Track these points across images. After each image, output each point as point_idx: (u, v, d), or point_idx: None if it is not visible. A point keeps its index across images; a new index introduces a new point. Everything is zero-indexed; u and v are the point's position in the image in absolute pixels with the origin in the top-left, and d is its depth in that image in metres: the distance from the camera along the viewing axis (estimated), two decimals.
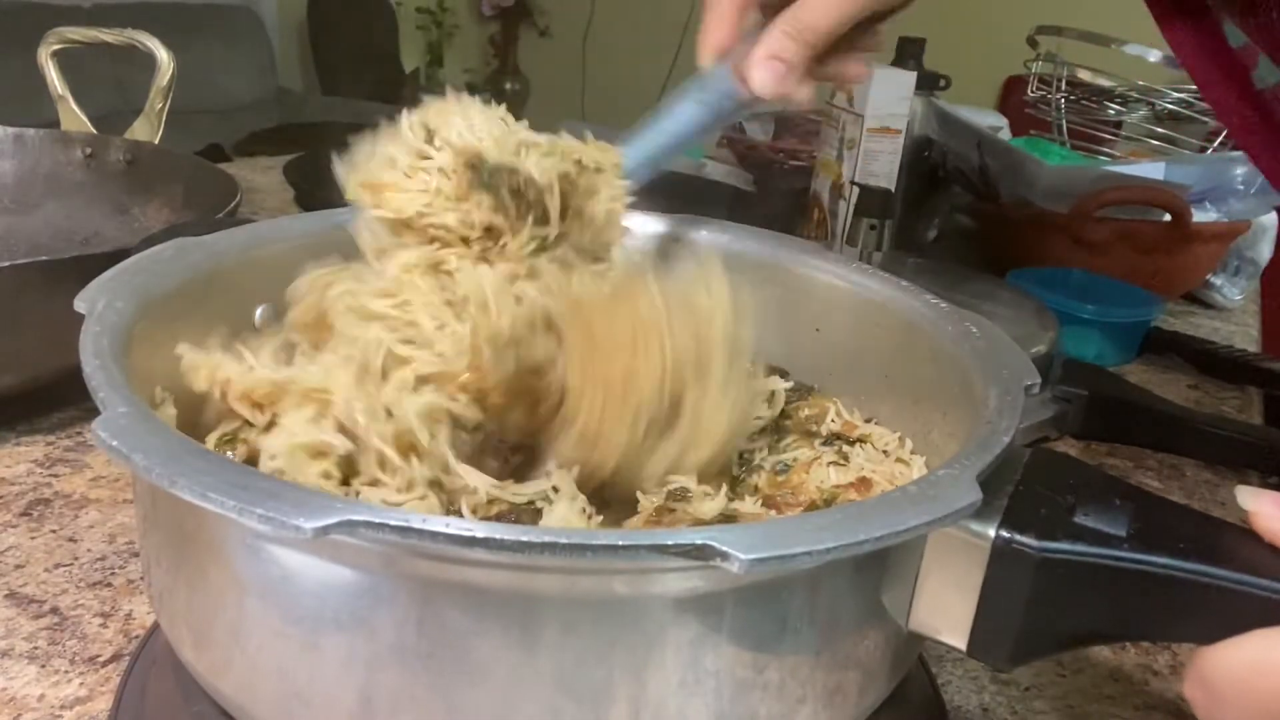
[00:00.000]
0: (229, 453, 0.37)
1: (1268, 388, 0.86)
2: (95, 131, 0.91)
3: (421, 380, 0.37)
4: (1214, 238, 1.04)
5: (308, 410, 0.36)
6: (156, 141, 0.93)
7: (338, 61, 3.69)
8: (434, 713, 0.29)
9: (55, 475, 0.57)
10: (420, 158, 0.41)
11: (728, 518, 0.39)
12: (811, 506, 0.40)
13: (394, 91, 3.64)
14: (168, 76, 0.94)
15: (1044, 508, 0.31)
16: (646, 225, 0.54)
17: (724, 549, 0.25)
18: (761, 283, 0.52)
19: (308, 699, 0.30)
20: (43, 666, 0.43)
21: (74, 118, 0.95)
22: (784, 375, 0.51)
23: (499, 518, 0.36)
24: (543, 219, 0.42)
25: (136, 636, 0.45)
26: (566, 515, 0.36)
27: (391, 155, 0.42)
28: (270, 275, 0.46)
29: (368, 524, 0.25)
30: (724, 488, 0.41)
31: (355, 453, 0.36)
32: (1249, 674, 0.27)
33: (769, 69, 0.44)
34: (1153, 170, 1.04)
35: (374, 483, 0.36)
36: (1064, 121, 1.22)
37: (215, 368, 0.37)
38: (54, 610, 0.47)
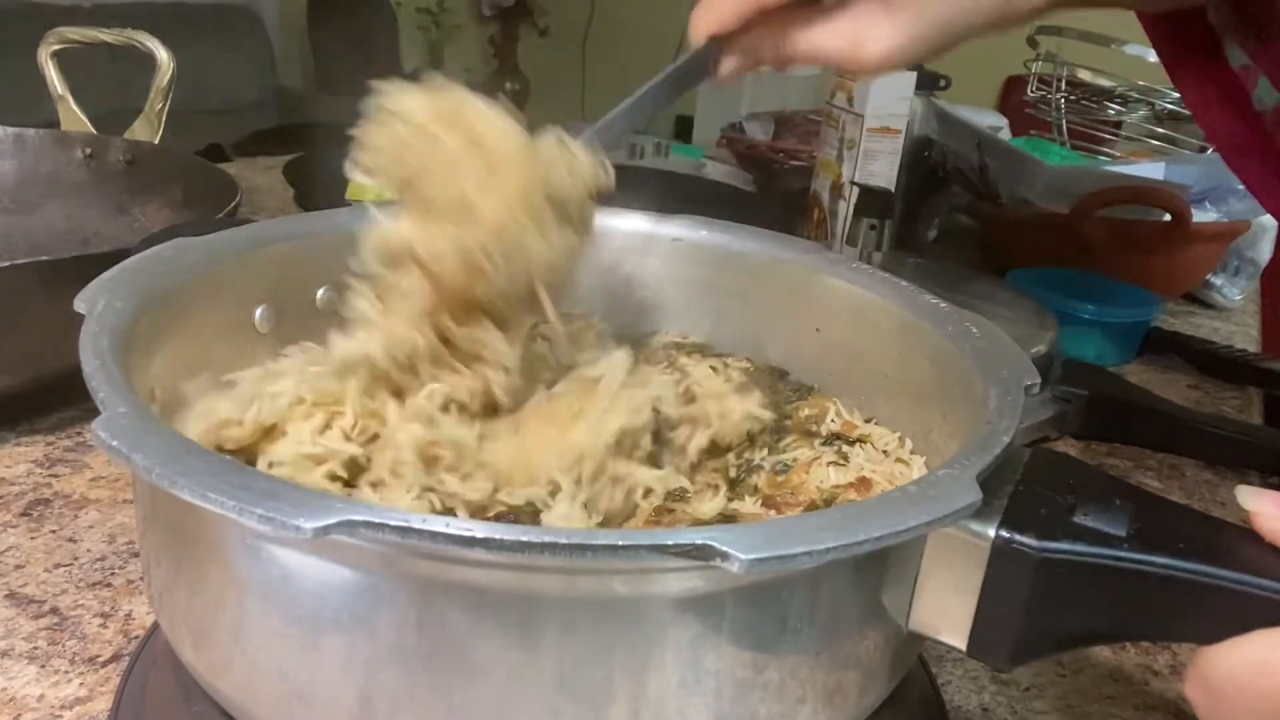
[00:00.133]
0: None
1: (1268, 388, 0.86)
2: (95, 131, 0.91)
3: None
4: (1214, 238, 1.04)
5: (317, 419, 0.37)
6: (156, 141, 0.93)
7: (338, 61, 3.69)
8: (434, 713, 0.29)
9: (55, 475, 0.57)
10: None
11: (728, 518, 0.39)
12: (811, 506, 0.40)
13: None
14: (168, 76, 0.94)
15: (1044, 508, 0.31)
16: (647, 225, 0.54)
17: (724, 549, 0.25)
18: (761, 283, 0.52)
19: (308, 699, 0.30)
20: (43, 666, 0.43)
21: (74, 118, 0.95)
22: (784, 375, 0.52)
23: (498, 518, 0.36)
24: None
25: (136, 636, 0.45)
26: (567, 515, 0.36)
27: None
28: (270, 275, 0.46)
29: (368, 524, 0.25)
30: (723, 488, 0.41)
31: (363, 456, 0.36)
32: (1250, 674, 0.27)
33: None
34: (1153, 170, 1.05)
35: (378, 484, 0.36)
36: (1064, 121, 1.22)
37: (212, 422, 0.37)
38: (54, 610, 0.47)
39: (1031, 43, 1.23)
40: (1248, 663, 0.28)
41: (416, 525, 0.25)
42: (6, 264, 0.54)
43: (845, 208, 0.97)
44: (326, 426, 0.37)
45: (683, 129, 2.10)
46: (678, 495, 0.40)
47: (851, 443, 0.45)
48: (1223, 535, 0.30)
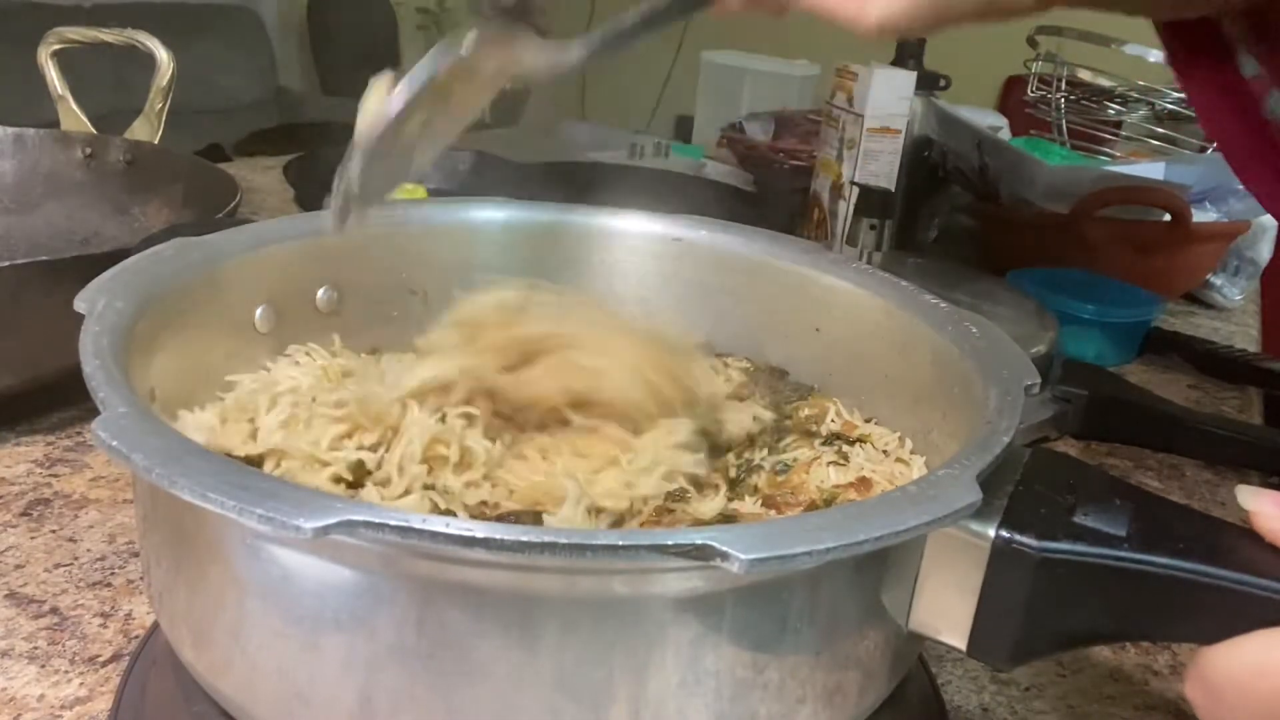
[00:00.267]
0: None
1: (1268, 388, 0.86)
2: (95, 131, 0.91)
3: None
4: (1214, 238, 1.04)
5: (339, 427, 0.37)
6: (156, 141, 0.93)
7: (338, 61, 3.69)
8: (434, 713, 0.29)
9: (55, 475, 0.57)
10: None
11: (728, 518, 0.39)
12: (811, 506, 0.40)
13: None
14: (168, 76, 0.94)
15: (1044, 508, 0.31)
16: (647, 225, 0.54)
17: (724, 549, 0.25)
18: (761, 283, 0.52)
19: (308, 699, 0.30)
20: (43, 666, 0.43)
21: (74, 118, 0.95)
22: (784, 375, 0.52)
23: (499, 518, 0.36)
24: None
25: (136, 636, 0.45)
26: (569, 518, 0.36)
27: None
28: (270, 275, 0.46)
29: (368, 524, 0.25)
30: (723, 488, 0.41)
31: (372, 460, 0.37)
32: (1250, 675, 0.27)
33: None
34: (1153, 170, 1.04)
35: (383, 483, 0.36)
36: (1064, 121, 1.22)
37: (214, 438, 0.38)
38: (54, 610, 0.47)
39: (1031, 43, 1.23)
40: (1248, 663, 0.28)
41: (416, 525, 0.25)
42: (6, 264, 0.54)
43: (845, 208, 0.97)
44: (348, 435, 0.37)
45: (683, 129, 2.10)
46: (678, 495, 0.40)
47: (851, 443, 0.45)
48: (1223, 535, 0.30)
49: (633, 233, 0.54)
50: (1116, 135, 1.20)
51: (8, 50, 1.67)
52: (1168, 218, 0.97)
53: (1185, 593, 0.29)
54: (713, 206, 0.53)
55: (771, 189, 1.26)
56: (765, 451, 0.44)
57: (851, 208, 0.93)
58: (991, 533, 0.30)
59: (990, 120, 1.28)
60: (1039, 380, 0.38)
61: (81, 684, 0.42)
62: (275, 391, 0.40)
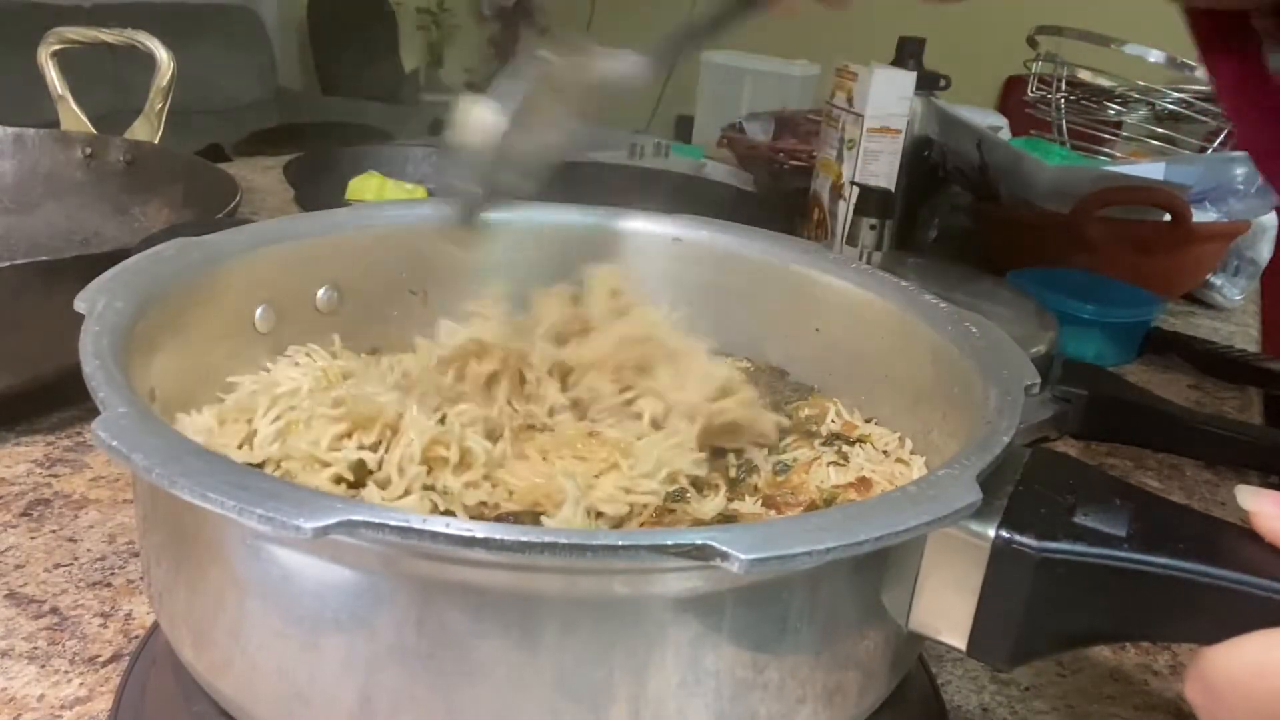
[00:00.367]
0: None
1: (1268, 388, 0.86)
2: (95, 131, 0.91)
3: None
4: (1214, 238, 1.04)
5: (339, 427, 0.37)
6: (156, 141, 0.94)
7: (338, 61, 3.69)
8: (434, 713, 0.29)
9: (55, 475, 0.57)
10: None
11: (728, 518, 0.39)
12: (811, 506, 0.40)
13: (394, 91, 3.64)
14: (168, 76, 0.94)
15: (1044, 508, 0.31)
16: (647, 225, 0.54)
17: (724, 549, 0.25)
18: (761, 283, 0.52)
19: (308, 699, 0.30)
20: (43, 666, 0.43)
21: (74, 118, 0.95)
22: (784, 375, 0.52)
23: (498, 519, 0.36)
24: None
25: (136, 636, 0.45)
26: (569, 519, 0.36)
27: None
28: (270, 275, 0.46)
29: (368, 524, 0.25)
30: (723, 488, 0.41)
31: (374, 460, 0.37)
32: (1250, 675, 0.27)
33: None
34: (1153, 170, 1.04)
35: (385, 483, 0.36)
36: (1064, 121, 1.22)
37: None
38: (54, 610, 0.47)
39: (1031, 43, 1.23)
40: (1248, 664, 0.28)
41: (416, 525, 0.25)
42: (6, 264, 0.54)
43: (845, 208, 0.97)
44: (347, 435, 0.37)
45: (683, 129, 2.10)
46: (678, 495, 0.40)
47: (851, 443, 0.45)
48: (1223, 535, 0.30)
49: (633, 233, 0.54)
50: (1116, 135, 1.20)
51: (8, 50, 1.67)
52: (1168, 218, 0.97)
53: (1185, 593, 0.29)
54: (713, 206, 0.53)
55: (771, 189, 1.26)
56: (765, 451, 0.44)
57: (851, 208, 0.93)
58: (991, 533, 0.30)
59: (990, 120, 1.28)
60: (1039, 380, 0.38)
61: (81, 684, 0.42)
62: (275, 393, 0.40)
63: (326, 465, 0.36)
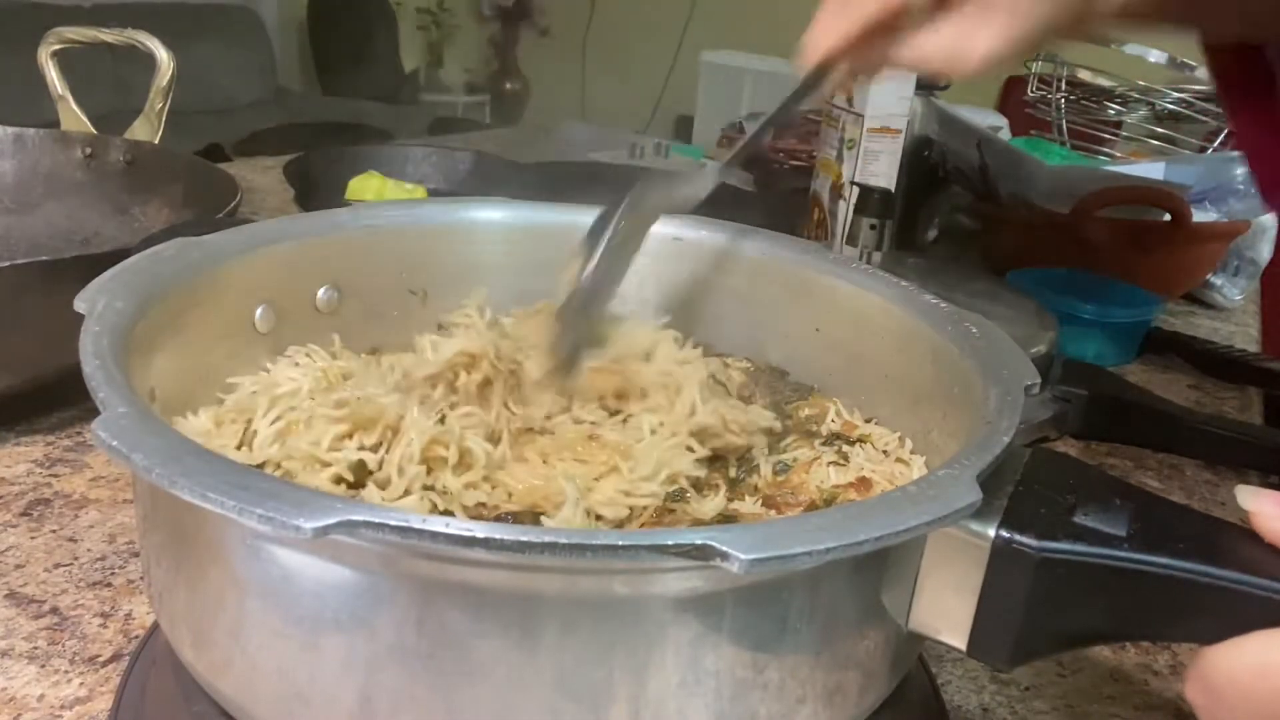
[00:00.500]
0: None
1: (1268, 388, 0.86)
2: (95, 131, 0.91)
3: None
4: (1214, 238, 1.04)
5: (341, 427, 0.37)
6: (156, 141, 0.93)
7: (338, 61, 3.69)
8: (434, 713, 0.29)
9: (55, 475, 0.57)
10: None
11: (728, 518, 0.39)
12: (811, 506, 0.40)
13: (394, 91, 3.64)
14: (168, 76, 0.94)
15: (1044, 508, 0.31)
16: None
17: (724, 549, 0.25)
18: (761, 283, 0.52)
19: (308, 699, 0.30)
20: (43, 666, 0.43)
21: (74, 118, 0.95)
22: (784, 375, 0.52)
23: (497, 519, 0.36)
24: None
25: (136, 636, 0.45)
26: (569, 519, 0.36)
27: None
28: (270, 275, 0.46)
29: (368, 524, 0.25)
30: (723, 488, 0.41)
31: (374, 460, 0.37)
32: (1250, 676, 0.27)
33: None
34: (1153, 170, 1.04)
35: (385, 483, 0.36)
36: (1064, 121, 1.22)
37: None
38: (54, 610, 0.47)
39: None
40: (1248, 664, 0.28)
41: (416, 525, 0.25)
42: (6, 264, 0.54)
43: (845, 208, 0.97)
44: (348, 436, 0.37)
45: (683, 129, 2.10)
46: (677, 495, 0.40)
47: (851, 443, 0.45)
48: (1223, 535, 0.30)
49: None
50: (1116, 135, 1.20)
51: (8, 50, 1.67)
52: (1168, 218, 0.97)
53: (1185, 593, 0.29)
54: (713, 206, 0.53)
55: (771, 189, 1.26)
56: (765, 451, 0.44)
57: (851, 208, 0.93)
58: (991, 533, 0.30)
59: (990, 120, 1.28)
60: (1039, 380, 0.38)
61: (81, 684, 0.42)
62: (275, 394, 0.40)
63: (327, 465, 0.36)
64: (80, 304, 0.36)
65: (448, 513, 0.36)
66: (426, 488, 0.37)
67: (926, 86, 1.04)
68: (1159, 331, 0.91)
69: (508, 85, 4.02)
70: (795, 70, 0.47)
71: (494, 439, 0.40)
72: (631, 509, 0.38)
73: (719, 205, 0.51)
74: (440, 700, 0.29)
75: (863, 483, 0.41)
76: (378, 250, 0.50)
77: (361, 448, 0.37)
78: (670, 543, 0.26)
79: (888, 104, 0.95)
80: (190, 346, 0.41)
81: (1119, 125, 1.21)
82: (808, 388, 0.50)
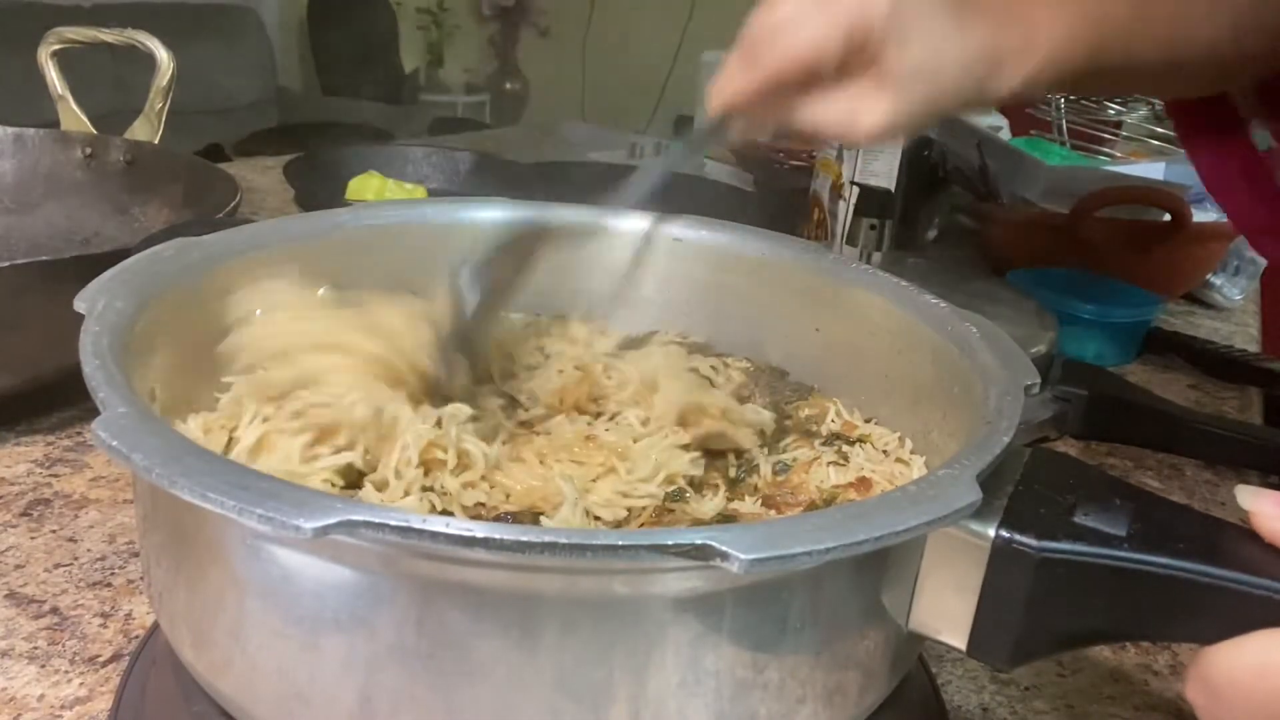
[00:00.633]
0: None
1: (1268, 388, 0.86)
2: (95, 131, 0.91)
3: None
4: (1214, 238, 1.04)
5: (304, 438, 0.37)
6: (156, 141, 0.93)
7: (338, 61, 3.69)
8: (434, 713, 0.29)
9: (55, 475, 0.57)
10: None
11: (727, 518, 0.39)
12: (811, 506, 0.40)
13: (394, 91, 3.64)
14: (168, 76, 0.94)
15: (1044, 508, 0.31)
16: (646, 225, 0.54)
17: (724, 549, 0.25)
18: (761, 283, 0.52)
19: (308, 699, 0.30)
20: (43, 666, 0.43)
21: (74, 118, 0.95)
22: (784, 375, 0.52)
23: (497, 519, 0.36)
24: None
25: (136, 636, 0.45)
26: (568, 519, 0.36)
27: None
28: (270, 275, 0.46)
29: (368, 524, 0.25)
30: (723, 488, 0.41)
31: (364, 461, 0.37)
32: (1251, 676, 0.27)
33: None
34: (1153, 170, 1.05)
35: (383, 486, 0.36)
36: (1064, 121, 1.22)
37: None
38: (54, 610, 0.47)
39: None
40: (1248, 664, 0.28)
41: (416, 525, 0.25)
42: (6, 264, 0.54)
43: (845, 208, 0.97)
44: (318, 442, 0.37)
45: (683, 129, 2.09)
46: (677, 495, 0.40)
47: (851, 443, 0.45)
48: (1223, 535, 0.30)
49: (633, 233, 0.54)
50: (1116, 135, 1.20)
51: (8, 50, 1.67)
52: (1168, 218, 0.97)
53: (1185, 593, 0.29)
54: (713, 206, 0.53)
55: (771, 189, 1.26)
56: (765, 451, 0.44)
57: (851, 208, 0.92)
58: (991, 533, 0.30)
59: (990, 120, 1.28)
60: (1039, 380, 0.38)
61: (81, 684, 0.42)
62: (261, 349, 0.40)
63: (304, 477, 0.36)
64: (80, 304, 0.36)
65: (447, 513, 0.36)
66: (425, 488, 0.37)
67: None
68: (1159, 331, 0.91)
69: (508, 85, 4.02)
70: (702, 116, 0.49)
71: (489, 438, 0.40)
72: (629, 510, 0.38)
73: (719, 205, 0.52)
74: (440, 700, 0.29)
75: (863, 483, 0.41)
76: (378, 250, 0.50)
77: (338, 450, 0.37)
78: (670, 543, 0.26)
79: None
80: (190, 346, 0.41)
81: (1119, 125, 1.21)
82: (808, 388, 0.50)
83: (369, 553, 0.28)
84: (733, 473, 0.43)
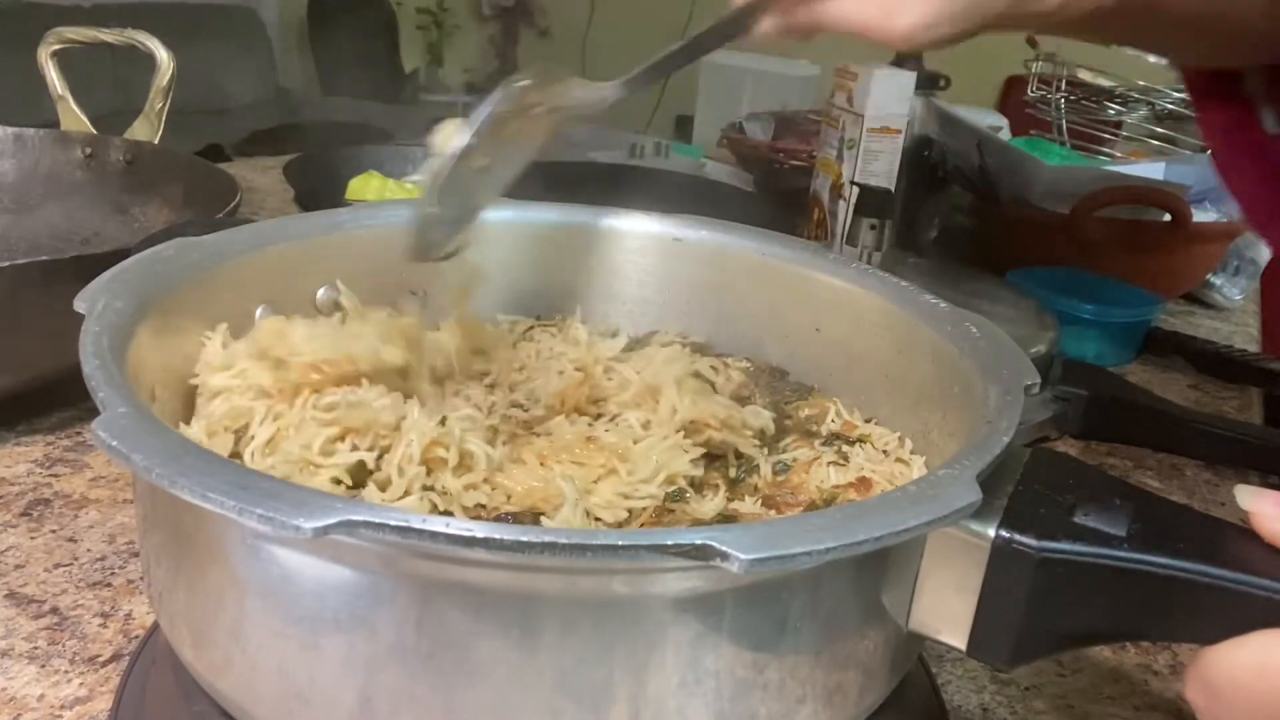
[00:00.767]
0: None
1: (1268, 388, 0.86)
2: (95, 131, 0.91)
3: None
4: (1214, 238, 1.04)
5: (331, 431, 0.37)
6: (156, 141, 0.93)
7: (338, 61, 3.69)
8: (434, 713, 0.29)
9: (55, 475, 0.57)
10: None
11: (727, 518, 0.39)
12: (811, 506, 0.40)
13: (394, 91, 3.63)
14: (168, 76, 0.94)
15: (1044, 508, 0.31)
16: (647, 225, 0.54)
17: (724, 549, 0.25)
18: (761, 283, 0.52)
19: (308, 699, 0.30)
20: (43, 666, 0.43)
21: (74, 118, 0.95)
22: (784, 375, 0.52)
23: (498, 520, 0.36)
24: None
25: (136, 636, 0.45)
26: (567, 518, 0.36)
27: None
28: (270, 275, 0.46)
29: (368, 524, 0.25)
30: (723, 488, 0.41)
31: (372, 460, 0.37)
32: (1251, 676, 0.27)
33: None
34: (1153, 170, 1.04)
35: (385, 484, 0.36)
36: (1064, 121, 1.22)
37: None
38: (54, 610, 0.47)
39: (1031, 42, 1.23)
40: (1248, 664, 0.28)
41: (416, 525, 0.25)
42: (6, 264, 0.54)
43: (845, 208, 0.97)
44: (340, 439, 0.37)
45: (683, 129, 2.10)
46: (677, 495, 0.40)
47: (851, 443, 0.45)
48: (1223, 535, 0.30)
49: (633, 233, 0.54)
50: (1116, 135, 1.20)
51: (8, 50, 1.67)
52: (1168, 218, 0.97)
53: (1185, 593, 0.29)
54: (713, 206, 0.53)
55: (771, 189, 1.26)
56: (765, 451, 0.44)
57: (851, 208, 0.92)
58: (991, 533, 0.30)
59: (990, 120, 1.28)
60: (1039, 380, 0.38)
61: (81, 684, 0.42)
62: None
63: (319, 468, 0.36)
64: (80, 304, 0.36)
65: (447, 513, 0.36)
66: (426, 488, 0.37)
67: (927, 86, 1.04)
68: (1159, 331, 0.91)
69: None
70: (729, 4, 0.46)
71: (490, 440, 0.40)
72: (630, 511, 0.38)
73: (719, 205, 0.51)
74: (440, 700, 0.29)
75: (863, 483, 0.41)
76: (378, 250, 0.50)
77: (355, 449, 0.37)
78: (670, 543, 0.26)
79: (888, 104, 0.95)
80: (191, 347, 0.41)
81: (1119, 125, 1.21)
82: (808, 388, 0.50)
83: (369, 553, 0.28)
84: (733, 473, 0.43)
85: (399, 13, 3.85)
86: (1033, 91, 1.24)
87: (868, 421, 0.47)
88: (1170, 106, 1.17)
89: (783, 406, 0.48)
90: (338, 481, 0.36)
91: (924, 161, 1.09)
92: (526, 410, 0.45)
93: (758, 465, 0.43)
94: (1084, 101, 1.21)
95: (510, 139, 0.42)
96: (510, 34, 4.04)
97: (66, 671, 0.43)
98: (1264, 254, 1.12)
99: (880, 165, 0.97)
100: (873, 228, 0.88)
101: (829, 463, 0.42)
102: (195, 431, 0.38)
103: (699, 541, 0.25)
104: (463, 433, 0.38)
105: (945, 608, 0.32)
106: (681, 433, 0.42)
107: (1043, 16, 0.46)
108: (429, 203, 0.40)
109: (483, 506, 0.37)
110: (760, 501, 0.41)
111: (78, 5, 2.79)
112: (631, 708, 0.29)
